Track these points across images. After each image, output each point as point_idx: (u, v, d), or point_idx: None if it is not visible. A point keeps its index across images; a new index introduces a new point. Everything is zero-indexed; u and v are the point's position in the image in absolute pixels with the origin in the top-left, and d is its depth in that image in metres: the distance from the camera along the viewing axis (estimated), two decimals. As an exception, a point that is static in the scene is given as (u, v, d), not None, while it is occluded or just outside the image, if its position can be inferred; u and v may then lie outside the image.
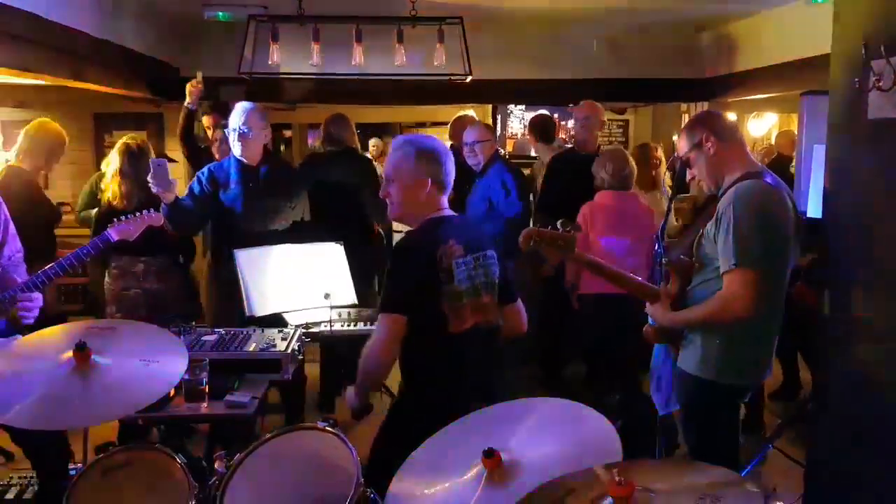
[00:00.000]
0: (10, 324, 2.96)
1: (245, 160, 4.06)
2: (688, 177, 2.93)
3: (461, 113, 6.13)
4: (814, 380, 3.12)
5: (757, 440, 4.38)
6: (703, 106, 7.20)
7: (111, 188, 4.26)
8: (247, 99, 6.62)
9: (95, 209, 4.59)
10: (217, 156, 5.07)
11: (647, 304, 2.88)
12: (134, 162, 4.23)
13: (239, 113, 4.01)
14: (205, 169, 4.16)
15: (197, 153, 4.94)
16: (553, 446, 2.01)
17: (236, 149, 4.03)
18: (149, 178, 3.78)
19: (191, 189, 4.11)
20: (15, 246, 3.23)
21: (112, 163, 4.32)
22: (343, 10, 5.05)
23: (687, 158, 2.83)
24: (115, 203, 4.22)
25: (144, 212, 3.37)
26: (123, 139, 4.44)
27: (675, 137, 8.95)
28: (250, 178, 4.07)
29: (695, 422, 2.84)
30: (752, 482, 1.62)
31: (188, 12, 5.54)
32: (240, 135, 3.98)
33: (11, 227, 3.21)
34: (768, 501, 2.93)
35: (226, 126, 5.23)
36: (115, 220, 3.33)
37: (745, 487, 1.61)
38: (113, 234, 3.30)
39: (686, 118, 8.23)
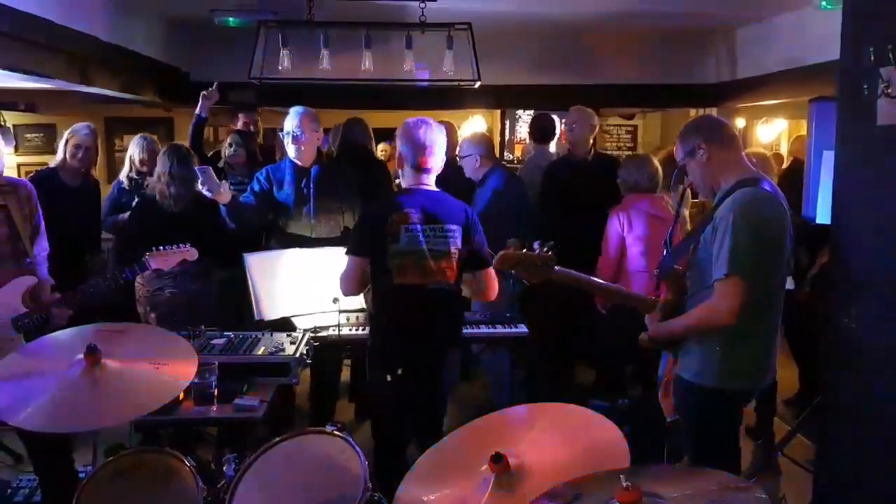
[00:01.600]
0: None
1: (299, 162, 4.17)
2: (685, 183, 2.92)
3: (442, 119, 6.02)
4: (819, 385, 3.11)
5: (766, 447, 4.37)
6: (713, 111, 7.19)
7: (158, 188, 4.28)
8: (256, 103, 6.70)
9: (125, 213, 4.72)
10: (228, 161, 5.11)
11: (647, 315, 2.88)
12: (185, 165, 4.27)
13: (292, 116, 4.12)
14: (263, 169, 4.28)
15: (206, 161, 4.98)
16: (561, 451, 2.01)
17: (291, 151, 4.16)
18: (199, 186, 3.89)
19: (251, 188, 4.23)
20: (43, 245, 3.41)
21: (160, 164, 4.34)
22: (352, 16, 5.07)
23: (683, 165, 2.83)
24: (160, 202, 4.25)
25: (181, 245, 3.45)
26: (171, 143, 4.56)
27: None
28: (302, 179, 4.16)
29: (695, 428, 2.83)
30: (760, 488, 1.62)
31: (198, 17, 5.57)
32: (293, 138, 4.10)
33: (43, 226, 3.40)
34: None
35: (238, 131, 5.28)
36: (154, 248, 3.41)
37: (753, 493, 1.61)
38: (151, 262, 3.40)
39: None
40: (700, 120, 3.02)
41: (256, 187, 4.20)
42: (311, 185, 4.15)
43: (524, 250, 2.67)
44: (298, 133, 4.08)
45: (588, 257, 4.45)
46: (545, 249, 2.66)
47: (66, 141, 4.62)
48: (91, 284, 3.28)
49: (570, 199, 4.90)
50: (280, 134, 4.25)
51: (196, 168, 3.97)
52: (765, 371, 2.77)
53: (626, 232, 4.41)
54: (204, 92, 4.91)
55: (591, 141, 5.23)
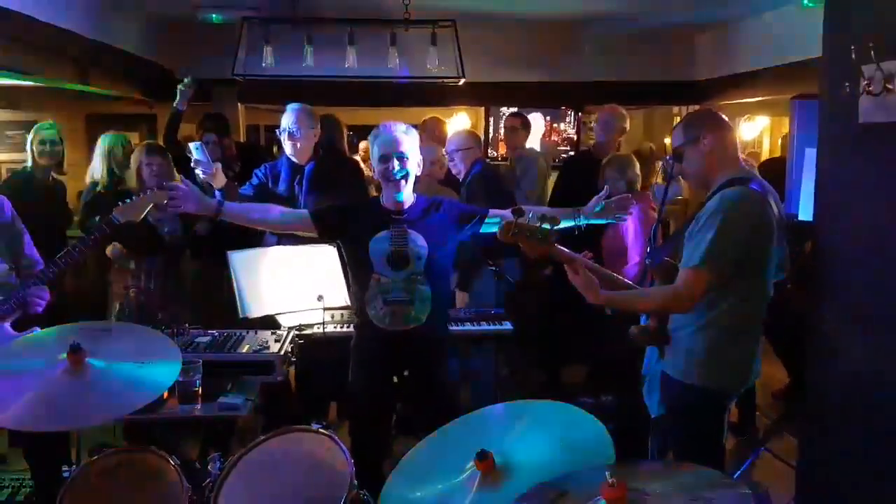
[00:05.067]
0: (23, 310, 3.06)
1: (295, 159, 4.16)
2: (675, 170, 2.87)
3: (428, 116, 5.99)
4: (798, 380, 3.13)
5: (749, 442, 4.40)
6: (695, 109, 7.22)
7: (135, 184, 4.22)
8: (238, 100, 6.67)
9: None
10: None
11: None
12: (164, 158, 4.23)
13: (288, 113, 4.11)
14: (263, 165, 4.30)
15: (180, 156, 4.93)
16: (546, 448, 2.02)
17: (287, 148, 4.14)
18: (192, 165, 3.83)
19: (251, 182, 4.22)
20: (34, 257, 3.32)
21: (135, 162, 4.27)
22: (336, 12, 5.05)
23: (681, 151, 2.78)
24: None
25: (148, 191, 3.26)
26: (145, 141, 4.49)
27: (667, 140, 8.99)
28: (297, 176, 4.17)
29: (679, 425, 2.84)
30: (744, 484, 1.63)
31: (181, 14, 5.53)
32: (289, 134, 4.08)
33: (28, 238, 3.31)
34: (759, 503, 2.94)
35: (207, 136, 5.21)
36: (120, 202, 3.18)
37: (737, 489, 1.62)
38: (119, 216, 3.16)
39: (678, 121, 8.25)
40: (707, 112, 2.96)
41: (255, 181, 4.21)
42: (304, 182, 4.14)
43: (527, 221, 2.61)
44: (294, 130, 4.07)
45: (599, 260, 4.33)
46: (546, 225, 2.61)
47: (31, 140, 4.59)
48: (61, 256, 3.07)
49: (587, 197, 4.76)
50: (277, 131, 4.24)
51: (189, 144, 3.90)
52: (748, 373, 2.77)
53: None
54: (180, 86, 4.75)
55: (618, 144, 5.14)
